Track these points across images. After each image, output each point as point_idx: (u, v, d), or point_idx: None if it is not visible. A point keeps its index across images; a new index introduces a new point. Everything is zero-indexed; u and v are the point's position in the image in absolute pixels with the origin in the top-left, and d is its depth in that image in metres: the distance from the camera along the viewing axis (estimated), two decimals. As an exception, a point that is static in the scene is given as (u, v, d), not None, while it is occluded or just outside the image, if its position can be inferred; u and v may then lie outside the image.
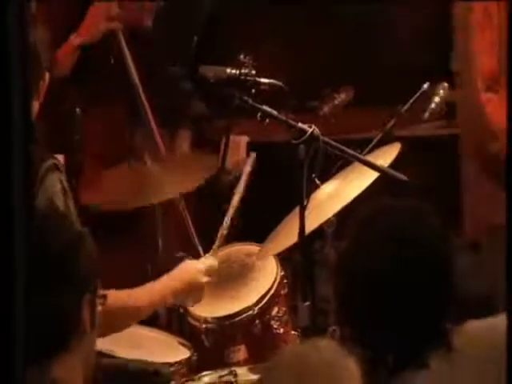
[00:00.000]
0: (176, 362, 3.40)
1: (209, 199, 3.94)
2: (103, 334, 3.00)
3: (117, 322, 3.05)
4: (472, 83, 3.65)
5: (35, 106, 2.97)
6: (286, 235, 3.28)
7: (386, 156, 3.38)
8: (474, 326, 2.31)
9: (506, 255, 1.68)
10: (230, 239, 3.92)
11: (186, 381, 3.32)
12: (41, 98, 2.99)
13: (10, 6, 1.31)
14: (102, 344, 3.05)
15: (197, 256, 3.79)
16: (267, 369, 2.18)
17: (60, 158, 3.39)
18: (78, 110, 4.05)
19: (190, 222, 3.90)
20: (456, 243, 2.34)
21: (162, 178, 3.58)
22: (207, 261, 3.43)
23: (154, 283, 3.23)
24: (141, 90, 4.03)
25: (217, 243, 3.56)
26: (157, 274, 3.57)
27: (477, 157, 3.66)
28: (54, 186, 2.94)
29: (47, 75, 3.00)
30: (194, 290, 3.33)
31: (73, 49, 4.02)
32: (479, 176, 3.75)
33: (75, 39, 4.00)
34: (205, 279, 3.34)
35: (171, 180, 3.57)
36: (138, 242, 3.98)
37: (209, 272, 3.36)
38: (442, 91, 4.49)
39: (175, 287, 3.26)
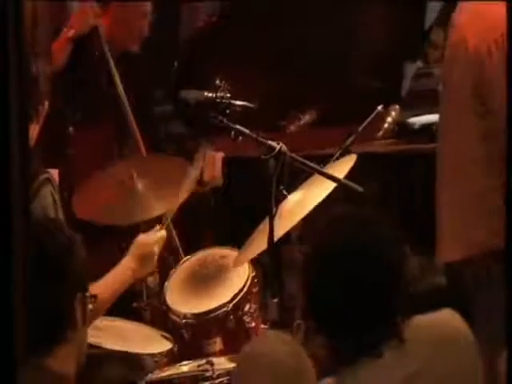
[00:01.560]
0: (159, 353, 3.40)
1: (187, 206, 3.92)
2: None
3: (96, 311, 3.05)
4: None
5: (35, 129, 2.97)
6: (260, 242, 3.29)
7: (343, 167, 3.40)
8: (420, 319, 2.33)
9: (505, 255, 1.64)
10: (207, 244, 3.93)
11: (168, 369, 3.31)
12: (40, 122, 2.99)
13: (9, 37, 1.31)
14: (91, 337, 3.05)
15: (178, 257, 3.80)
16: (240, 359, 2.19)
17: (55, 172, 3.39)
18: (70, 128, 4.05)
19: (171, 227, 3.91)
20: (405, 248, 2.35)
21: (149, 195, 3.59)
22: (157, 233, 3.41)
23: (115, 269, 3.23)
24: (128, 108, 4.04)
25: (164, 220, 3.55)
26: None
27: None
28: (47, 198, 2.95)
29: (46, 102, 3.01)
30: (147, 260, 3.33)
31: (66, 41, 4.07)
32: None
33: (68, 32, 4.05)
34: (155, 248, 3.35)
35: (158, 195, 3.58)
36: (123, 245, 3.96)
37: (159, 242, 3.37)
38: (393, 113, 4.52)
39: (132, 264, 3.26)
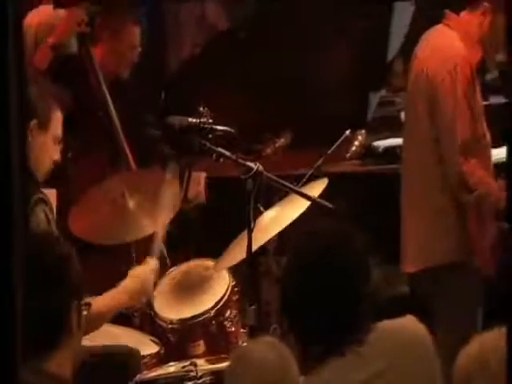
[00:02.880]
0: (147, 355, 3.39)
1: (174, 222, 3.91)
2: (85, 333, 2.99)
3: (95, 323, 3.04)
4: (453, 156, 3.54)
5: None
6: (237, 252, 3.29)
7: (316, 188, 3.41)
8: (384, 324, 2.33)
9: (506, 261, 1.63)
10: (192, 256, 3.92)
11: (156, 370, 3.30)
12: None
13: (9, 62, 1.30)
14: (84, 341, 3.03)
15: (165, 267, 3.79)
16: (232, 361, 2.19)
17: (52, 191, 3.39)
18: (69, 153, 4.03)
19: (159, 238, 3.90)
20: (370, 259, 2.36)
21: (140, 213, 3.57)
22: (151, 263, 3.31)
23: (113, 290, 3.19)
24: (120, 131, 4.03)
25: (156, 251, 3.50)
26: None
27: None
28: (40, 215, 2.95)
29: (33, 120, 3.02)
30: (146, 289, 3.28)
31: (49, 47, 4.06)
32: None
33: (51, 39, 4.05)
34: (152, 277, 3.29)
35: (148, 214, 3.56)
36: (115, 256, 3.95)
37: (154, 272, 3.31)
38: (360, 137, 4.54)
39: (130, 290, 3.21)
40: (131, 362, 3.26)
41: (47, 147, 3.08)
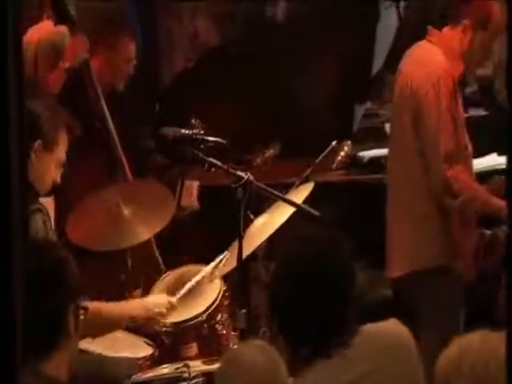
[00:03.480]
0: (142, 357, 3.38)
1: (168, 228, 3.91)
2: (92, 336, 3.01)
3: (103, 328, 3.07)
4: (438, 164, 3.54)
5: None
6: (230, 260, 3.29)
7: (302, 193, 3.41)
8: (369, 327, 2.33)
9: (506, 264, 1.63)
10: (185, 261, 3.92)
11: (150, 371, 3.30)
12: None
13: (10, 78, 1.30)
14: (84, 343, 3.04)
15: (160, 272, 3.78)
16: (223, 363, 2.19)
17: (50, 199, 3.39)
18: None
19: (154, 245, 3.90)
20: (355, 265, 2.36)
21: (134, 221, 3.57)
22: (160, 300, 3.35)
23: (121, 305, 3.21)
24: (118, 142, 4.04)
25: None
26: (126, 287, 3.54)
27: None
28: (38, 223, 2.95)
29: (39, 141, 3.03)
30: (151, 320, 3.29)
31: (62, 71, 4.06)
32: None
33: (64, 64, 4.05)
34: (157, 312, 3.29)
35: (142, 221, 3.56)
36: (111, 262, 3.94)
37: (161, 307, 3.32)
38: (345, 148, 4.54)
39: (136, 314, 3.22)
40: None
41: (50, 169, 3.06)
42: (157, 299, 3.35)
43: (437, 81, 3.55)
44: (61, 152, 3.09)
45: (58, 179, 3.12)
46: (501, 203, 3.51)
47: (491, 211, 3.60)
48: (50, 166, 3.06)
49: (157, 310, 3.26)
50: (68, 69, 4.06)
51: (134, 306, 3.24)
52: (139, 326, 3.37)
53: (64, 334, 2.16)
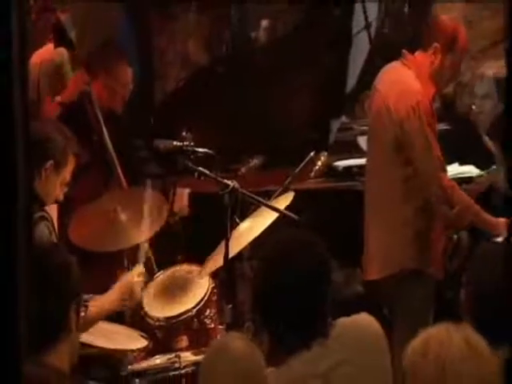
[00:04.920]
0: (137, 349, 3.37)
1: (161, 232, 3.89)
2: (84, 330, 2.99)
3: (92, 321, 3.05)
4: (435, 173, 3.55)
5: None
6: (218, 259, 3.29)
7: (283, 200, 3.42)
8: (344, 320, 2.33)
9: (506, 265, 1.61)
10: (176, 262, 3.91)
11: (144, 362, 3.29)
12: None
13: (14, 101, 1.28)
14: (83, 336, 3.02)
15: (153, 272, 3.77)
16: (208, 354, 2.18)
17: (54, 206, 3.39)
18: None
19: (148, 246, 3.88)
20: (332, 263, 2.36)
21: (130, 225, 3.56)
22: (137, 269, 3.33)
23: (109, 294, 3.19)
24: (114, 156, 4.02)
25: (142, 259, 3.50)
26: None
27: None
28: (43, 230, 2.96)
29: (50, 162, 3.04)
30: (134, 290, 3.26)
31: (57, 104, 4.05)
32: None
33: (59, 98, 4.05)
34: (139, 280, 3.27)
35: (138, 226, 3.55)
36: (110, 262, 3.92)
37: (141, 275, 3.30)
38: (322, 158, 4.55)
39: (120, 294, 3.20)
40: None
41: (55, 187, 3.10)
42: (126, 277, 3.29)
43: (416, 103, 3.55)
44: (67, 173, 3.13)
45: (61, 197, 3.15)
46: (490, 218, 3.54)
47: (479, 224, 3.61)
48: (56, 184, 3.10)
49: (133, 283, 3.23)
50: (62, 102, 4.07)
51: (112, 295, 3.20)
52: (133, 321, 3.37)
53: (66, 328, 2.16)
